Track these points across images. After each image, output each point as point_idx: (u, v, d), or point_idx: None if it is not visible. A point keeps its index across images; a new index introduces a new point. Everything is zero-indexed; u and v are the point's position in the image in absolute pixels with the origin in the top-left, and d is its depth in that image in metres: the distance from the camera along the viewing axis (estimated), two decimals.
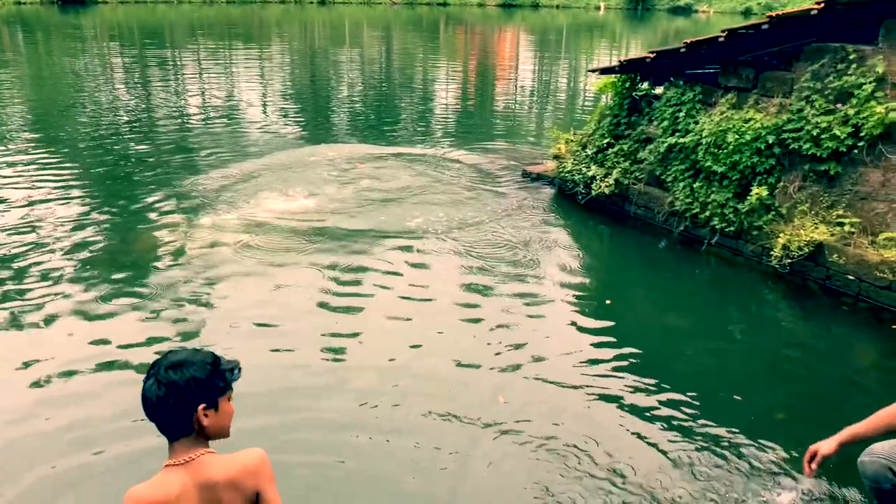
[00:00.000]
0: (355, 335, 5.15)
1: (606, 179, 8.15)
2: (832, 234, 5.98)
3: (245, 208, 7.91)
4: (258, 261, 6.45)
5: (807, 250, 6.01)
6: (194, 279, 5.99)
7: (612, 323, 5.66)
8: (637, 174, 7.99)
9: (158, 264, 6.30)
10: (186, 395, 1.86)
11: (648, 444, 3.99)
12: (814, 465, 2.89)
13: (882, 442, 2.74)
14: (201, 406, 1.88)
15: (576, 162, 8.69)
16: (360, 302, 5.68)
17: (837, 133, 5.86)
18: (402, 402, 4.32)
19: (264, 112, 14.65)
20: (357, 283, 6.06)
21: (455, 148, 11.53)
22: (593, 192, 8.24)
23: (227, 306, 5.55)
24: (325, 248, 6.85)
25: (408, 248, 6.94)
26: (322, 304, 5.62)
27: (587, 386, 4.58)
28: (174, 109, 14.33)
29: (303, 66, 22.41)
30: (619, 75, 8.30)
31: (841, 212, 6.04)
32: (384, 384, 4.52)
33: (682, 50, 6.87)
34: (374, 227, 7.48)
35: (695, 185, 7.11)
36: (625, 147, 8.13)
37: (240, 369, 2.00)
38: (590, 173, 8.34)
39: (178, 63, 21.49)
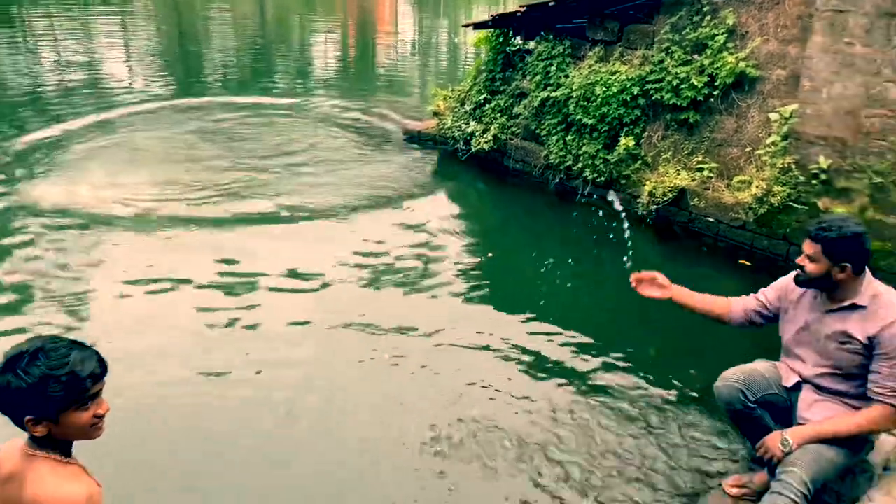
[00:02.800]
0: (246, 308, 4.98)
1: (485, 135, 8.22)
2: (693, 180, 6.34)
3: (82, 178, 7.31)
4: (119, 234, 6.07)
5: (670, 196, 6.35)
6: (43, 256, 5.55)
7: (493, 275, 5.78)
8: (514, 129, 8.11)
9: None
10: (13, 401, 1.63)
11: (531, 387, 4.13)
12: (646, 285, 3.22)
13: (733, 368, 2.97)
14: (27, 418, 1.64)
15: (455, 118, 8.70)
16: (238, 280, 5.46)
17: (695, 83, 6.18)
18: (292, 369, 4.24)
19: (126, 69, 13.60)
20: (233, 261, 5.83)
21: (333, 106, 11.24)
22: (473, 149, 8.30)
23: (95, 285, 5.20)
24: (186, 229, 6.42)
25: (288, 210, 6.75)
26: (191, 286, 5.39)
27: (472, 338, 4.67)
28: (22, 67, 13.04)
29: (169, 22, 21.00)
30: (492, 30, 8.34)
31: (700, 158, 6.41)
32: (266, 352, 4.42)
33: (552, 4, 6.96)
34: (246, 190, 7.21)
35: (567, 138, 7.31)
36: (501, 102, 8.22)
37: (98, 377, 1.71)
38: (469, 129, 8.39)
39: (26, 19, 19.55)
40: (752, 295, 3.10)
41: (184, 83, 12.63)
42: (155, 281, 5.18)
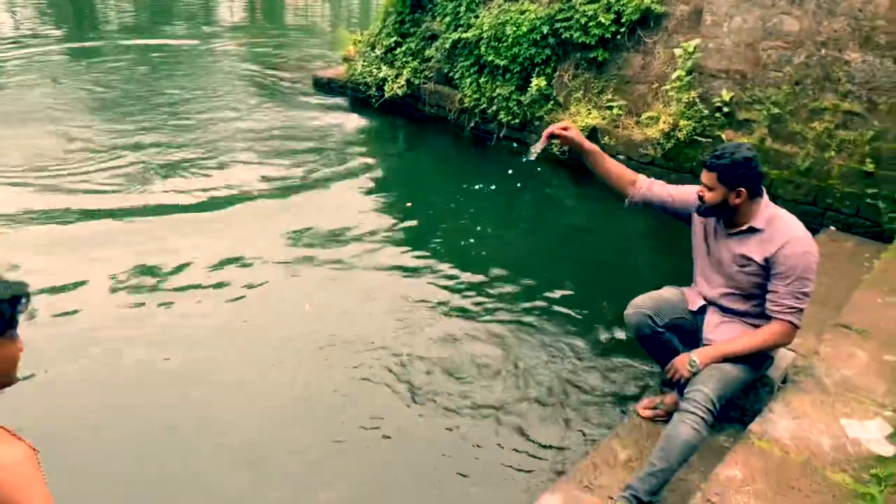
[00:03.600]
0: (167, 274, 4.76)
1: (398, 80, 8.06)
2: (603, 118, 6.43)
3: None
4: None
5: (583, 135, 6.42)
6: None
7: (413, 222, 5.74)
8: (427, 73, 7.98)
9: None
10: None
11: (450, 323, 4.16)
12: (559, 132, 3.01)
13: (641, 296, 3.05)
14: None
15: (366, 64, 8.48)
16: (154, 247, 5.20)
17: (602, 20, 6.21)
18: (213, 314, 4.11)
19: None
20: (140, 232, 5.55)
21: (238, 52, 10.76)
22: (386, 95, 8.14)
23: None
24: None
25: (193, 166, 6.46)
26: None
27: (394, 283, 4.66)
28: None
29: None
30: None
31: (610, 96, 6.49)
32: (194, 304, 4.26)
33: None
34: (146, 149, 6.85)
35: (480, 81, 7.25)
36: (412, 45, 8.04)
37: (25, 299, 1.50)
38: (381, 75, 8.20)
39: None
40: (660, 184, 3.05)
41: (75, 25, 11.73)
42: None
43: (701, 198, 2.76)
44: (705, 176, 2.72)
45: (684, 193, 2.99)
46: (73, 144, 6.74)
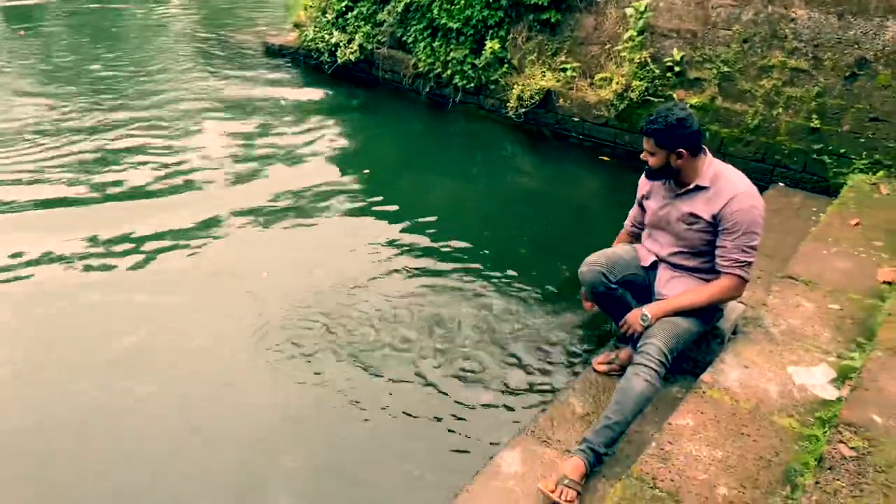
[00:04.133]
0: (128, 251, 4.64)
1: (350, 45, 7.92)
2: (558, 81, 6.42)
3: None
4: None
5: (537, 98, 6.42)
6: None
7: (370, 188, 5.68)
8: (380, 38, 7.84)
9: None
10: None
11: (407, 284, 4.15)
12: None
13: (595, 253, 3.08)
14: None
15: (317, 29, 8.30)
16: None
17: None
18: (174, 288, 4.03)
19: None
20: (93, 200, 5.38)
21: (184, 17, 10.41)
22: (339, 61, 7.99)
23: None
24: None
25: (150, 130, 6.27)
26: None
27: (351, 247, 4.63)
28: None
29: None
30: None
31: (563, 58, 6.47)
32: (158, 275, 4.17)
33: None
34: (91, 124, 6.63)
35: (434, 45, 7.16)
36: (364, 9, 7.89)
37: None
38: (333, 40, 8.04)
39: None
40: (631, 213, 3.23)
41: None
42: None
43: (646, 163, 2.81)
44: (645, 142, 2.78)
45: (640, 187, 3.13)
46: (13, 125, 6.49)
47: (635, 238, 3.23)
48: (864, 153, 4.94)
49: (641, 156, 2.83)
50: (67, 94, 7.28)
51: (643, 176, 3.01)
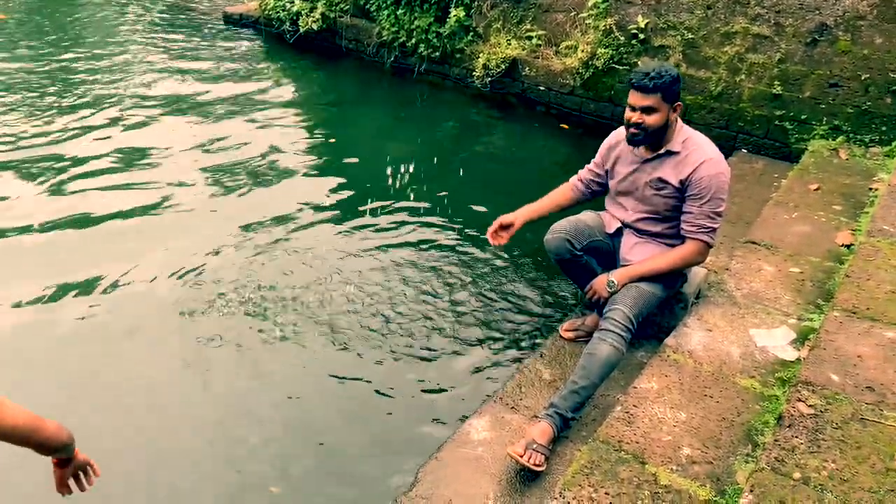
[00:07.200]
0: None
1: (312, 14, 7.75)
2: (523, 49, 6.37)
3: None
4: None
5: (503, 67, 6.37)
6: None
7: (335, 157, 5.62)
8: (343, 6, 7.69)
9: None
10: None
11: (380, 255, 4.13)
12: (502, 235, 3.13)
13: (560, 221, 3.09)
14: None
15: None
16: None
17: None
18: (133, 270, 3.94)
19: None
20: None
21: None
22: (301, 30, 7.83)
23: None
24: None
25: (109, 108, 6.09)
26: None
27: (317, 215, 4.57)
28: None
29: None
30: None
31: (528, 26, 6.42)
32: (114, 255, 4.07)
33: None
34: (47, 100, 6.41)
35: (398, 13, 7.04)
36: None
37: None
38: (294, 9, 7.86)
39: None
40: (585, 169, 3.15)
41: None
42: None
43: (639, 124, 2.67)
44: (643, 99, 2.62)
45: (602, 151, 3.06)
46: None
47: (578, 195, 3.16)
48: (825, 119, 5.01)
49: (633, 118, 2.67)
50: (13, 70, 7.02)
51: (608, 140, 3.01)
